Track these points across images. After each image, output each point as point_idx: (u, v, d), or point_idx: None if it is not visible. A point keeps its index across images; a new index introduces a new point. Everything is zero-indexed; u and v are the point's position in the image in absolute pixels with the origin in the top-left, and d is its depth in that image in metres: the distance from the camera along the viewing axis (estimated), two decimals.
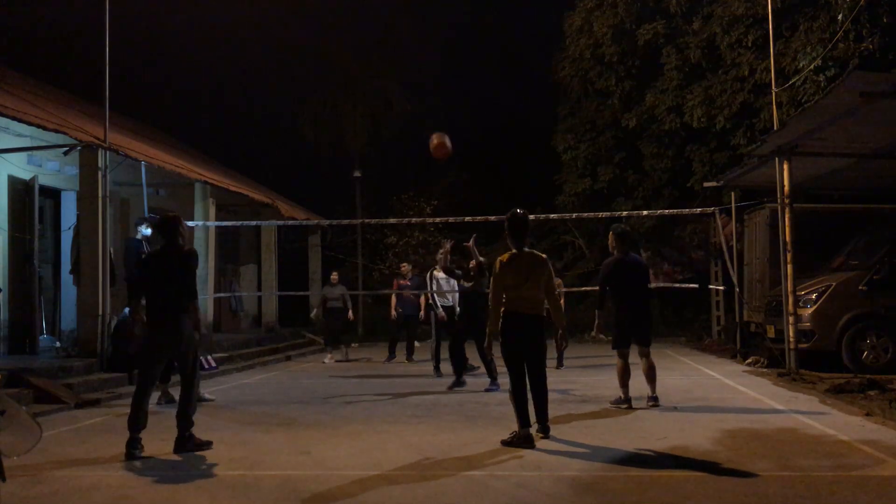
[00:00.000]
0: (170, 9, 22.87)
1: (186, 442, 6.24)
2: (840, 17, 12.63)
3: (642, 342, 8.12)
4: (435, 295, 11.76)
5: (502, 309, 6.30)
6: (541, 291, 6.37)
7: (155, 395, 8.09)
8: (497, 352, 6.76)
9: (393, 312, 13.99)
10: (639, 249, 17.88)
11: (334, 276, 14.86)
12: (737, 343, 13.91)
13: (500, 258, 6.42)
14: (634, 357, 8.10)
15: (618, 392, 8.16)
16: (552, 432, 6.56)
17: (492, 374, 9.51)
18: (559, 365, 11.78)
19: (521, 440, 6.14)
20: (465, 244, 10.07)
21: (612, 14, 19.05)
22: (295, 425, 7.45)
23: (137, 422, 6.16)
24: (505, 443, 6.20)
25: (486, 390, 9.44)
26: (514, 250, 6.43)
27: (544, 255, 6.58)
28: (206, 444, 6.32)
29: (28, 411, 3.77)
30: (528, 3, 26.70)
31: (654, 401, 8.08)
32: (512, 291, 6.29)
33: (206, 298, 14.31)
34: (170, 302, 6.37)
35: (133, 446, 6.08)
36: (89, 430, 7.44)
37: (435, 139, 9.99)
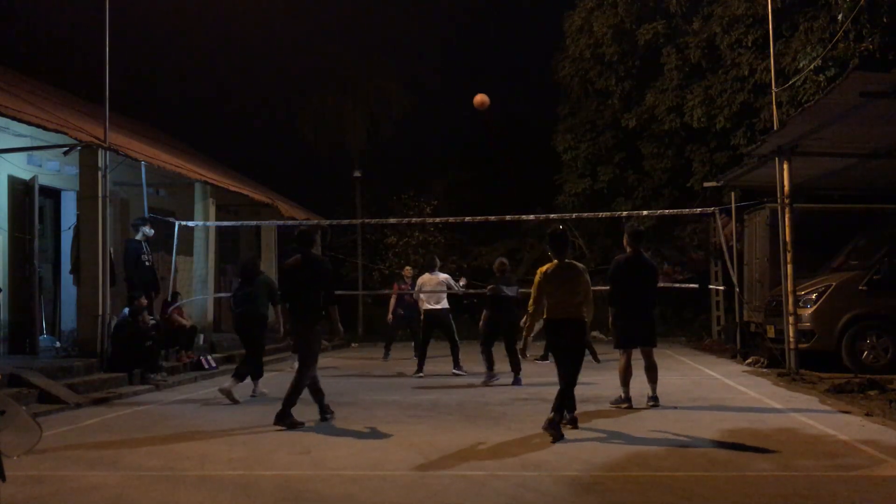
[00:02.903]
0: (170, 9, 22.86)
1: (285, 418, 7.24)
2: (840, 17, 12.62)
3: (647, 342, 8.15)
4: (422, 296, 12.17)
5: (546, 315, 6.81)
6: (577, 297, 6.76)
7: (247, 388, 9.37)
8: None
9: (390, 315, 14.09)
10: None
11: None
12: (737, 343, 13.92)
13: (540, 269, 6.91)
14: (637, 356, 8.12)
15: (617, 391, 8.17)
16: (543, 430, 6.58)
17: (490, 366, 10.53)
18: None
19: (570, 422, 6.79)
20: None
21: (612, 14, 19.04)
22: (295, 424, 7.44)
23: (316, 397, 7.56)
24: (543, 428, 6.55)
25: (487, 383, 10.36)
26: (555, 261, 6.88)
27: (581, 266, 6.98)
28: (299, 424, 7.21)
29: (28, 411, 3.77)
30: (528, 3, 26.71)
31: (654, 401, 8.09)
32: (552, 298, 6.78)
33: (206, 298, 14.33)
34: (311, 303, 7.44)
35: (323, 412, 7.51)
36: (89, 430, 7.44)
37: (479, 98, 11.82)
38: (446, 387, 10.22)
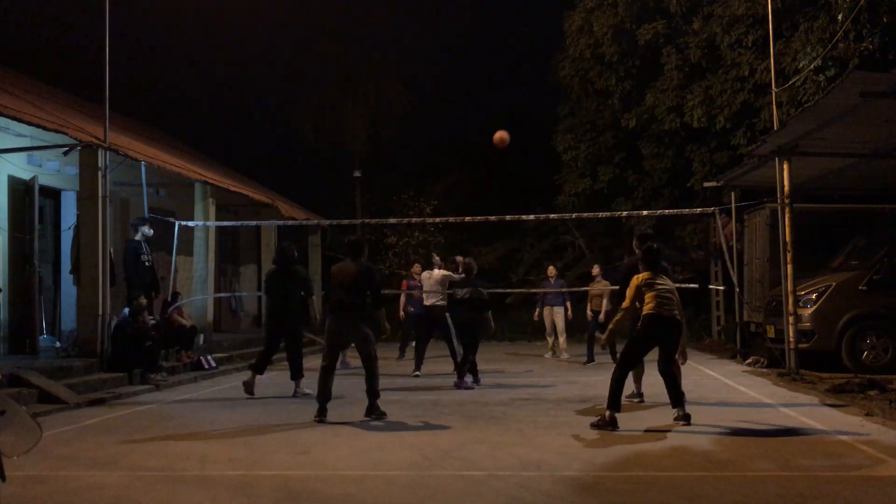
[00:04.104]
0: (170, 9, 22.88)
1: (373, 410, 7.70)
2: (840, 17, 12.61)
3: None
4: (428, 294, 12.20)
5: (649, 312, 7.21)
6: (675, 300, 7.31)
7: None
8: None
9: (401, 313, 13.99)
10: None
11: None
12: (737, 343, 13.91)
13: (638, 276, 7.39)
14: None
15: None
16: (553, 432, 6.58)
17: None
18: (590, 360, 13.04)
19: (608, 423, 6.89)
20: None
21: (612, 14, 19.02)
22: (295, 425, 7.45)
23: (322, 396, 7.73)
24: (594, 425, 6.89)
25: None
26: (648, 272, 7.39)
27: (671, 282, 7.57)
28: (384, 414, 7.67)
29: (28, 411, 3.77)
30: (528, 3, 26.72)
31: (639, 397, 8.44)
32: (657, 300, 7.22)
33: (206, 298, 14.33)
34: (350, 303, 7.76)
35: (320, 414, 7.65)
36: (89, 430, 7.44)
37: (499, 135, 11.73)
38: (446, 387, 10.21)
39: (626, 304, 7.42)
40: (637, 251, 8.38)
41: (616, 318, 7.60)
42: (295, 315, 9.68)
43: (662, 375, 7.40)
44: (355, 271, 7.88)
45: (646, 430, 6.85)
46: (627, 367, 7.25)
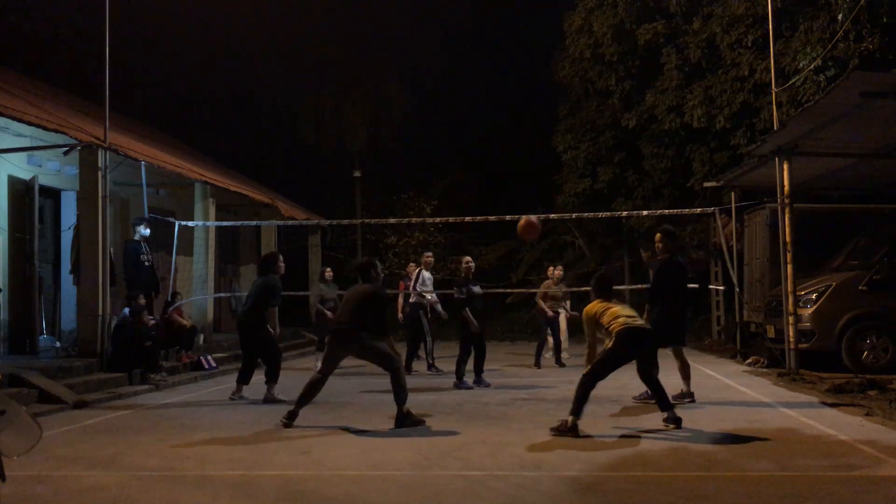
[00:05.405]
0: (170, 9, 22.86)
1: (405, 419, 7.19)
2: (840, 17, 12.61)
3: (678, 341, 8.36)
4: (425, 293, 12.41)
5: (625, 326, 6.99)
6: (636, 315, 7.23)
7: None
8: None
9: (400, 315, 13.95)
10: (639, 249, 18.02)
11: (329, 272, 13.59)
12: (737, 343, 13.91)
13: (587, 309, 7.27)
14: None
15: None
16: (552, 432, 6.60)
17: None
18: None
19: (569, 429, 6.65)
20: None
21: (612, 14, 19.01)
22: (294, 426, 7.44)
23: (301, 402, 7.44)
24: (553, 430, 6.66)
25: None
26: (600, 300, 7.27)
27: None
28: (421, 422, 7.23)
29: (28, 411, 3.77)
30: (528, 3, 26.70)
31: (689, 397, 8.36)
32: (622, 316, 7.06)
33: (207, 298, 14.33)
34: (350, 330, 7.44)
35: (290, 417, 7.30)
36: (89, 430, 7.44)
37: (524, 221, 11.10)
38: (446, 387, 10.22)
39: (588, 339, 7.24)
40: (660, 244, 8.49)
41: (586, 354, 7.29)
42: (258, 327, 9.29)
43: (646, 382, 7.30)
44: (362, 292, 7.61)
45: (645, 431, 6.84)
46: (596, 379, 6.89)
